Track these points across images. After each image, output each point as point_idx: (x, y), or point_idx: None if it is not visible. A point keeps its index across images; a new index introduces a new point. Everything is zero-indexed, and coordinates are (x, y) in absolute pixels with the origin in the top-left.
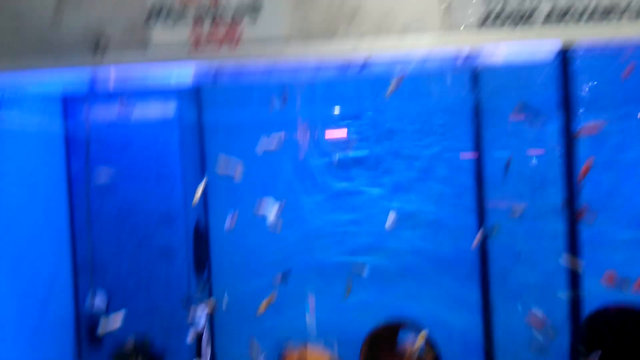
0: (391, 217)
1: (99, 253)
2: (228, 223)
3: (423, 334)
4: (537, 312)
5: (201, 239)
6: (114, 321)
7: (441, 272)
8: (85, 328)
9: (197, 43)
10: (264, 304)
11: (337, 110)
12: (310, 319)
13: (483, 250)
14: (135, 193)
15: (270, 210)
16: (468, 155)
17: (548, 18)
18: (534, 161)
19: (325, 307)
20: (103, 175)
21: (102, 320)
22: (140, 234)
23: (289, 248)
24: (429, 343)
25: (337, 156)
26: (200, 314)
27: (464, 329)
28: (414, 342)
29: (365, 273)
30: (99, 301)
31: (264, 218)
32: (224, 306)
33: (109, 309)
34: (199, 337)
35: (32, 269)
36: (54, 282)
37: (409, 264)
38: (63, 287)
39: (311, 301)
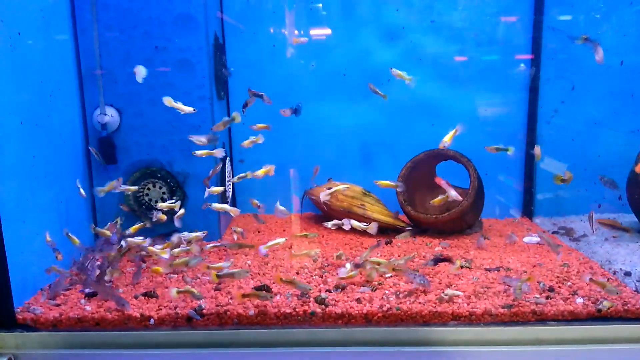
0: None
1: (106, 63)
2: None
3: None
4: None
5: (221, 51)
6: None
7: None
8: (97, 145)
9: None
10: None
11: None
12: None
13: None
14: None
15: None
16: None
17: None
18: None
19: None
20: None
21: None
22: (155, 41)
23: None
24: (473, 172)
25: None
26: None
27: None
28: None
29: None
30: (110, 116)
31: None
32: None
33: (121, 127)
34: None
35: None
36: (57, 93)
37: None
38: (68, 101)
39: None
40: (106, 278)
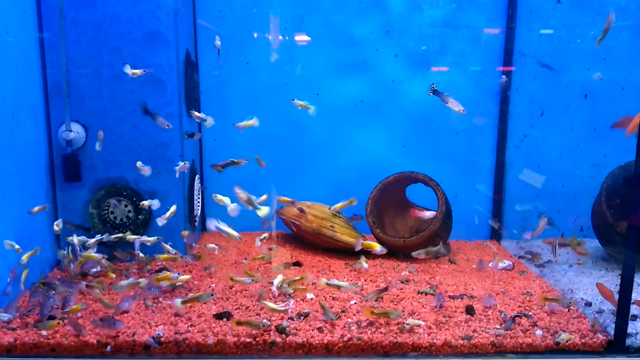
0: None
1: (74, 79)
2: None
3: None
4: None
5: (193, 68)
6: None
7: None
8: (61, 162)
9: None
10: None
11: None
12: None
13: None
14: (116, 5)
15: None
16: None
17: None
18: None
19: None
20: None
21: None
22: (124, 57)
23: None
24: (441, 195)
25: None
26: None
27: None
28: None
29: None
30: (75, 133)
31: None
32: None
33: (87, 144)
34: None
35: None
36: (21, 109)
37: None
38: (33, 116)
39: None
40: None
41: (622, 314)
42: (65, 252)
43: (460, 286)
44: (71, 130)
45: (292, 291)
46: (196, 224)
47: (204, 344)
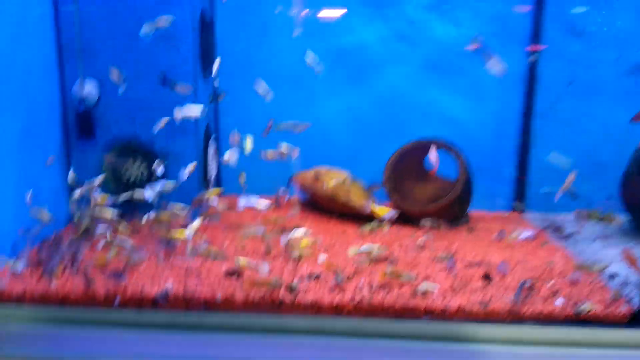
0: None
1: (88, 35)
2: None
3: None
4: None
5: (208, 29)
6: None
7: None
8: (75, 119)
9: None
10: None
11: None
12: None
13: None
14: None
15: None
16: None
17: None
18: None
19: None
20: None
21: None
22: (138, 14)
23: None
24: (462, 162)
25: None
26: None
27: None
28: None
29: None
30: (89, 90)
31: None
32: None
33: (101, 101)
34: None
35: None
36: (34, 64)
37: None
38: (46, 72)
39: None
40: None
41: None
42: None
43: (479, 254)
44: (85, 87)
45: (302, 254)
46: (211, 186)
47: (212, 300)
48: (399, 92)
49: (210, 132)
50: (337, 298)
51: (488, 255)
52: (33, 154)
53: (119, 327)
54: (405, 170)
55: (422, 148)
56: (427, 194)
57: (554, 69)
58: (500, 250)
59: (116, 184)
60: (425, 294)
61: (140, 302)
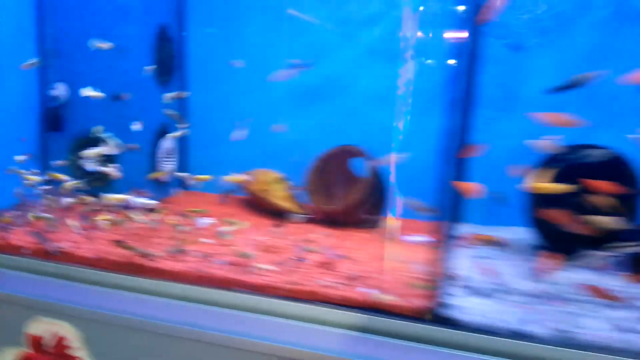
0: None
1: (64, 46)
2: None
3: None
4: None
5: (168, 43)
6: None
7: None
8: (46, 115)
9: None
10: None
11: None
12: None
13: None
14: None
15: None
16: None
17: None
18: None
19: None
20: None
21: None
22: (100, 28)
23: None
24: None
25: None
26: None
27: None
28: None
29: None
30: (60, 91)
31: None
32: None
33: (70, 100)
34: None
35: None
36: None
37: None
38: (28, 76)
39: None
40: None
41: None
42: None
43: (353, 251)
44: (55, 88)
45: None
46: (164, 180)
47: (88, 257)
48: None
49: (165, 131)
50: (178, 266)
51: (358, 252)
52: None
53: (24, 271)
54: (330, 174)
55: (343, 153)
56: (349, 197)
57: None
58: (367, 246)
59: (78, 170)
60: (260, 270)
61: (44, 255)
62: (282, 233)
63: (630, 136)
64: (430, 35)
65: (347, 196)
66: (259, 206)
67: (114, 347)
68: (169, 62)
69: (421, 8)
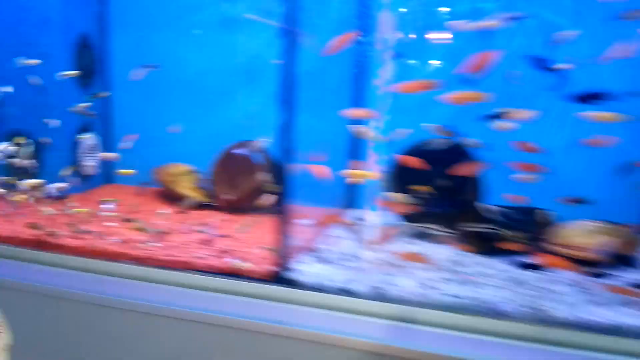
0: None
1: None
2: None
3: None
4: None
5: (88, 50)
6: None
7: None
8: None
9: None
10: None
11: None
12: None
13: None
14: None
15: None
16: None
17: None
18: None
19: None
20: None
21: None
22: (25, 37)
23: None
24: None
25: None
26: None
27: None
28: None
29: None
30: None
31: None
32: None
33: (4, 103)
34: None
35: None
36: None
37: None
38: None
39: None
40: None
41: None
42: None
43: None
44: None
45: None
46: (86, 173)
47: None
48: None
49: (88, 129)
50: (76, 242)
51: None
52: None
53: None
54: (235, 167)
55: (242, 146)
56: (245, 186)
57: None
58: (255, 230)
59: (9, 166)
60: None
61: None
62: (183, 218)
63: None
64: None
65: (244, 185)
66: (169, 196)
67: (26, 314)
68: (89, 67)
69: None
